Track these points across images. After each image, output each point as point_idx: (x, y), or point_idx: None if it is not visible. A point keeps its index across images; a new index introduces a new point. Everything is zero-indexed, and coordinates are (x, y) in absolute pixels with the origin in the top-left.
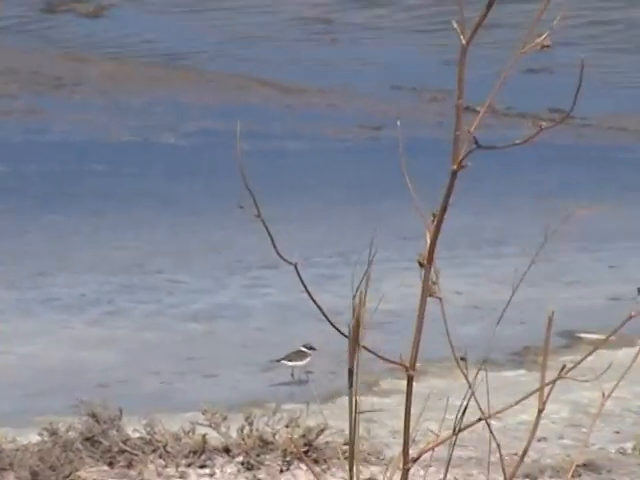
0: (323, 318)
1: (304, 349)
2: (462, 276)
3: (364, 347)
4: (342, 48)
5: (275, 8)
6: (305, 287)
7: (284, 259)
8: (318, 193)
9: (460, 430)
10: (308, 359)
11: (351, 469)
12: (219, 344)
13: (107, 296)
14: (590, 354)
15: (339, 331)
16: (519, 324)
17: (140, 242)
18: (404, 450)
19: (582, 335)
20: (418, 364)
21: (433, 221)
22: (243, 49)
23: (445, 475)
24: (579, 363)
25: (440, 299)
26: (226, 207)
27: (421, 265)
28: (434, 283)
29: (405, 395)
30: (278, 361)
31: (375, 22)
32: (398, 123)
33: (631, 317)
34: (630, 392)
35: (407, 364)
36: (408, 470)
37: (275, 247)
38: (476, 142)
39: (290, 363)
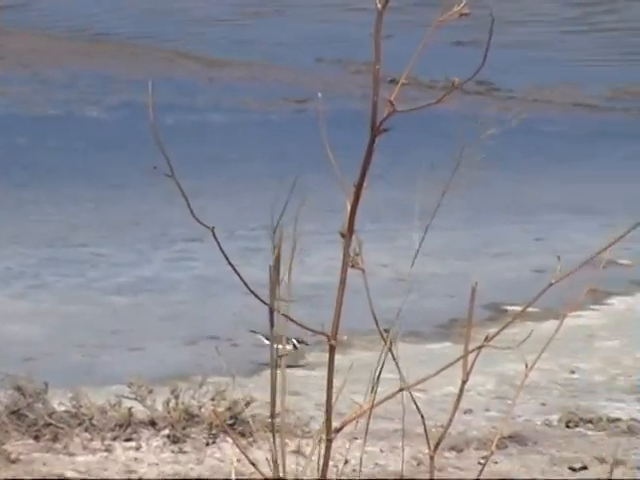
0: (247, 291)
1: (294, 341)
2: (389, 249)
3: (284, 315)
4: (266, 21)
5: None
6: (224, 253)
7: (202, 223)
8: (242, 166)
9: (381, 401)
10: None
11: (274, 437)
12: (144, 317)
13: (32, 269)
14: (511, 323)
15: (263, 301)
16: (446, 297)
17: (64, 215)
18: (327, 421)
19: (508, 307)
20: (344, 336)
21: (355, 192)
22: (167, 24)
23: (364, 446)
24: (500, 332)
25: (363, 270)
26: (150, 180)
27: (343, 236)
28: (357, 254)
29: (328, 365)
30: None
31: None
32: (319, 95)
33: (551, 284)
34: (556, 364)
35: (329, 334)
36: (331, 441)
37: (192, 211)
38: (393, 106)
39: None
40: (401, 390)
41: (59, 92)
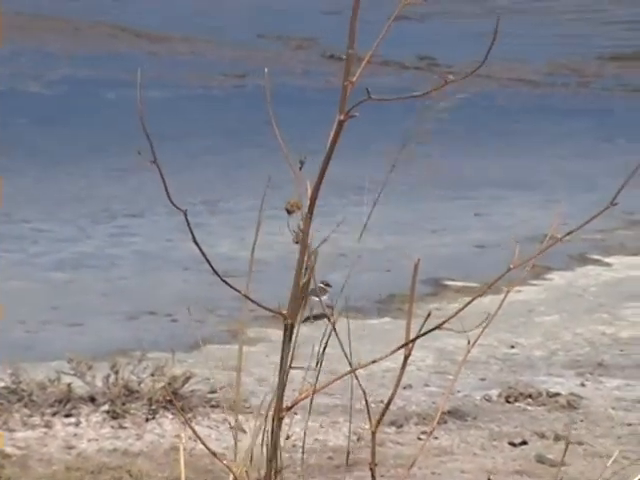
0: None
1: (322, 285)
2: (328, 224)
3: (244, 295)
4: None
5: None
6: (193, 235)
7: (176, 206)
8: (182, 142)
9: (331, 382)
10: (327, 295)
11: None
12: (84, 293)
13: None
14: (467, 305)
15: (229, 284)
16: (384, 272)
17: (4, 191)
18: (279, 399)
19: (447, 282)
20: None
21: (300, 168)
22: None
23: (306, 423)
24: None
25: (309, 245)
26: (91, 156)
27: (289, 212)
28: (301, 231)
29: (283, 343)
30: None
31: None
32: (266, 70)
33: (510, 269)
34: (496, 339)
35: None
36: (282, 419)
37: (168, 193)
38: (368, 93)
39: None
40: (353, 371)
41: (1, 67)
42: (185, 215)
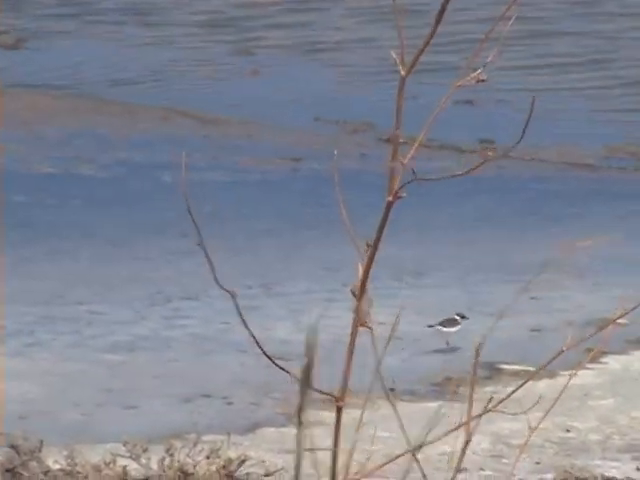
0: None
1: (457, 317)
2: (384, 307)
3: (315, 389)
4: (263, 80)
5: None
6: (242, 317)
7: (224, 288)
8: (240, 224)
9: (386, 463)
10: (459, 326)
11: None
12: (138, 375)
13: (27, 327)
14: (520, 387)
15: (280, 367)
16: (440, 354)
17: (60, 273)
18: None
19: (503, 366)
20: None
21: (367, 251)
22: (163, 81)
23: None
24: (509, 396)
25: (371, 329)
26: (145, 238)
27: (354, 295)
28: (367, 314)
29: (334, 426)
30: (431, 326)
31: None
32: (335, 152)
33: (563, 351)
34: (551, 422)
35: (336, 395)
36: None
37: (215, 275)
38: (414, 173)
39: (444, 329)
40: (410, 451)
41: (56, 150)
42: (233, 297)
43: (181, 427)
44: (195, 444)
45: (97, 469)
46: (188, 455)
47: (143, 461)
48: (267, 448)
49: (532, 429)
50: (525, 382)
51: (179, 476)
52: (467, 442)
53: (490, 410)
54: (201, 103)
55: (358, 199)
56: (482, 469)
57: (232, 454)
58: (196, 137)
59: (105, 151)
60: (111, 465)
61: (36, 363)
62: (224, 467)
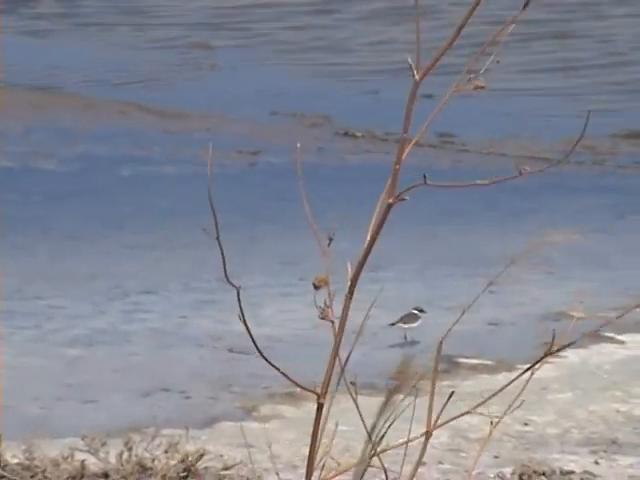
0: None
1: (416, 312)
2: (341, 301)
3: (284, 375)
4: (221, 74)
5: (150, 35)
6: (241, 311)
7: (231, 283)
8: (197, 218)
9: (355, 464)
10: (420, 321)
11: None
12: (98, 369)
13: None
14: (511, 383)
15: (269, 362)
16: (399, 348)
17: (18, 268)
18: (307, 478)
19: (461, 360)
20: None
21: (329, 244)
22: (122, 75)
23: None
24: (500, 389)
25: (333, 323)
26: (105, 233)
27: (316, 288)
28: (328, 307)
29: (314, 422)
30: (393, 324)
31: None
32: (298, 145)
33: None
34: (509, 416)
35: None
36: None
37: (225, 269)
38: (425, 178)
39: (405, 326)
40: (375, 454)
41: (14, 145)
42: (238, 293)
43: (140, 421)
44: (153, 438)
45: (55, 463)
46: (146, 449)
47: (101, 455)
48: (225, 442)
49: (494, 424)
50: (518, 376)
51: (137, 470)
52: (428, 434)
53: (470, 412)
54: (160, 97)
55: (316, 193)
56: (441, 462)
57: (190, 448)
58: (155, 130)
59: (65, 145)
60: (69, 459)
61: None
62: (182, 461)
